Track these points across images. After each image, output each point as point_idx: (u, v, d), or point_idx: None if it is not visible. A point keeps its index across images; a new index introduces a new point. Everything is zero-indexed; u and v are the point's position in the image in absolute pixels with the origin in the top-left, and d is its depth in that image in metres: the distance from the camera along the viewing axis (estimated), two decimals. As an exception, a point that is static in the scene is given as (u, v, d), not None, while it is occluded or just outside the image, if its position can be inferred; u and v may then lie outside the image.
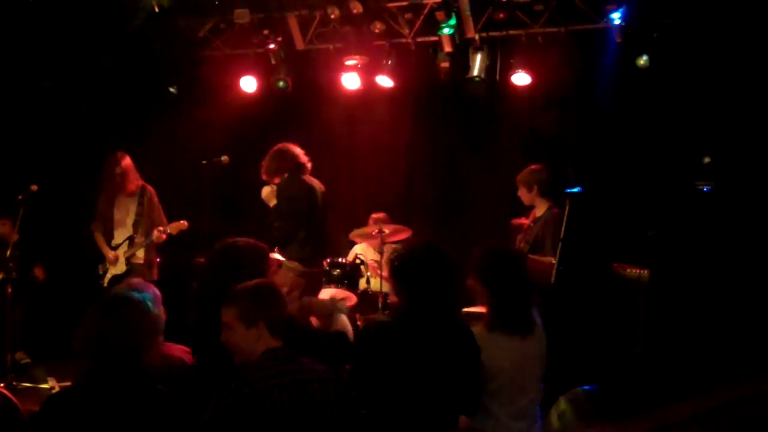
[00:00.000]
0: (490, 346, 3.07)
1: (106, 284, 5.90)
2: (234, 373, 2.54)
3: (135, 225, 5.93)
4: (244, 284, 2.75)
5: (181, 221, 5.92)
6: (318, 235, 5.42)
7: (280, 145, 5.59)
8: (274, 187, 5.46)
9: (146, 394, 2.42)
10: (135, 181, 6.03)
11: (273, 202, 5.42)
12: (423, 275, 2.96)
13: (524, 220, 5.57)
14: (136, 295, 2.58)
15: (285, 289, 5.10)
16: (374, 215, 6.76)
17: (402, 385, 2.84)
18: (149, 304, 2.52)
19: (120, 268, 5.91)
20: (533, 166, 5.42)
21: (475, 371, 2.99)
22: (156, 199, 6.07)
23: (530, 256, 5.14)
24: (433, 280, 2.95)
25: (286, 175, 5.44)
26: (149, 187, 6.08)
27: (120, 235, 5.96)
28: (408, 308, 3.01)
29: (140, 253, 5.95)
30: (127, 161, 6.00)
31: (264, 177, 5.56)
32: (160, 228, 5.84)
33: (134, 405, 2.37)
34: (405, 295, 3.07)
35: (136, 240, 5.89)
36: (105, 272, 5.95)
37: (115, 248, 5.93)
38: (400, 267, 3.08)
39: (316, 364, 2.66)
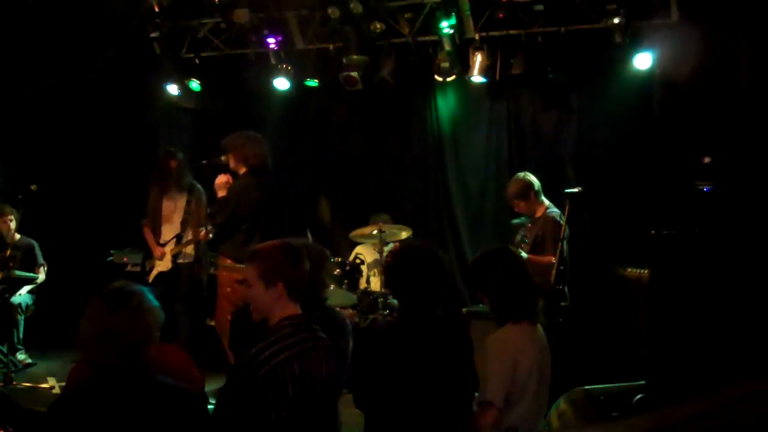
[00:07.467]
0: (516, 338, 3.01)
1: (150, 281, 5.81)
2: (258, 344, 2.59)
3: (183, 223, 5.88)
4: (267, 243, 2.76)
5: None
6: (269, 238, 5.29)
7: (252, 133, 5.48)
8: (230, 180, 5.38)
9: (156, 388, 2.36)
10: (186, 177, 6.00)
11: (221, 194, 5.36)
12: (413, 278, 2.92)
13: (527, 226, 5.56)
14: (136, 287, 2.49)
15: (227, 289, 5.11)
16: (375, 216, 6.75)
17: (399, 389, 2.82)
18: (150, 296, 2.44)
19: (166, 265, 5.84)
20: (518, 177, 5.41)
21: (470, 372, 2.97)
22: (205, 200, 6.01)
23: (530, 256, 5.14)
24: (423, 283, 2.91)
25: (244, 171, 5.32)
26: (199, 187, 6.04)
27: (167, 232, 5.91)
28: (403, 311, 3.00)
29: (189, 250, 5.90)
30: (179, 156, 5.99)
31: (225, 156, 5.39)
32: (209, 227, 5.74)
33: (147, 399, 2.31)
34: (398, 298, 3.07)
35: (184, 238, 5.84)
36: (151, 269, 5.88)
37: (162, 245, 5.88)
38: (391, 271, 3.06)
39: (321, 332, 2.79)
